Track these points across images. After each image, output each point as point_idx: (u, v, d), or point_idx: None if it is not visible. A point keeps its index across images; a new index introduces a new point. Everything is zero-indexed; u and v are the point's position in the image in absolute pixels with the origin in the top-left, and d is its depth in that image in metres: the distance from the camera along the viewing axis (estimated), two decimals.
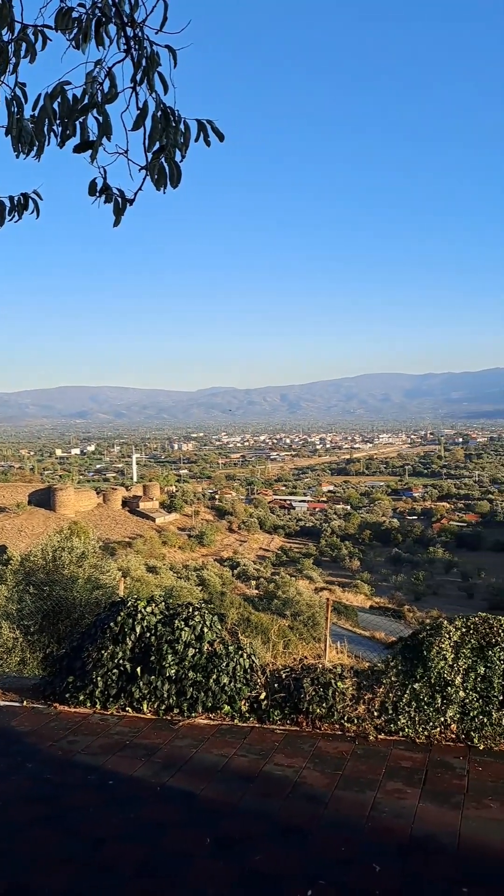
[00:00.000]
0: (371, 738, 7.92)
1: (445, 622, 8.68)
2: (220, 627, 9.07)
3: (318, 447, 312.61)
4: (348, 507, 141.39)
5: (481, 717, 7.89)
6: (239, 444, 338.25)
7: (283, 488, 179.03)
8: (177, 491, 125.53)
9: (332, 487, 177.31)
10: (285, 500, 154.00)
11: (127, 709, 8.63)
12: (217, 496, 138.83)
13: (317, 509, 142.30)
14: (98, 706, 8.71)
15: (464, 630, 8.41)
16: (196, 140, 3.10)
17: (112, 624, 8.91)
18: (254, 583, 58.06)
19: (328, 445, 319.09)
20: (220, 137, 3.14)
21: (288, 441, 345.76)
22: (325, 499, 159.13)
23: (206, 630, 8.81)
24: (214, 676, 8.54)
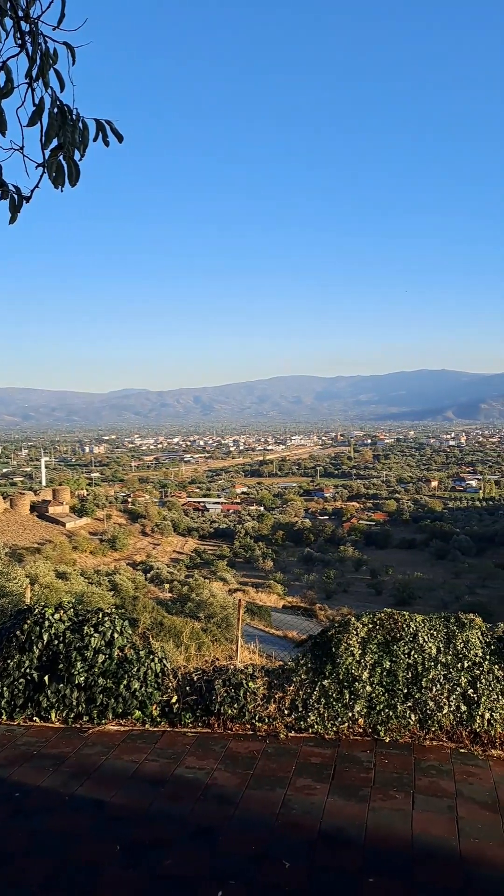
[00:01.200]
0: (282, 736, 8.03)
1: (353, 619, 8.90)
2: (130, 632, 8.97)
3: (231, 449, 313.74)
4: (262, 509, 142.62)
5: (387, 710, 8.13)
6: (152, 447, 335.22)
7: (197, 490, 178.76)
8: (88, 495, 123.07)
9: (245, 489, 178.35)
10: (199, 503, 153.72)
11: (34, 718, 8.41)
12: (130, 499, 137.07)
13: (230, 511, 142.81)
14: (3, 717, 8.45)
15: (370, 626, 8.65)
16: (95, 140, 3.06)
17: (18, 632, 8.66)
18: (167, 586, 57.69)
19: (242, 447, 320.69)
20: (119, 138, 3.11)
21: (202, 443, 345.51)
22: (238, 500, 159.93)
23: (116, 636, 8.69)
24: (125, 682, 8.44)
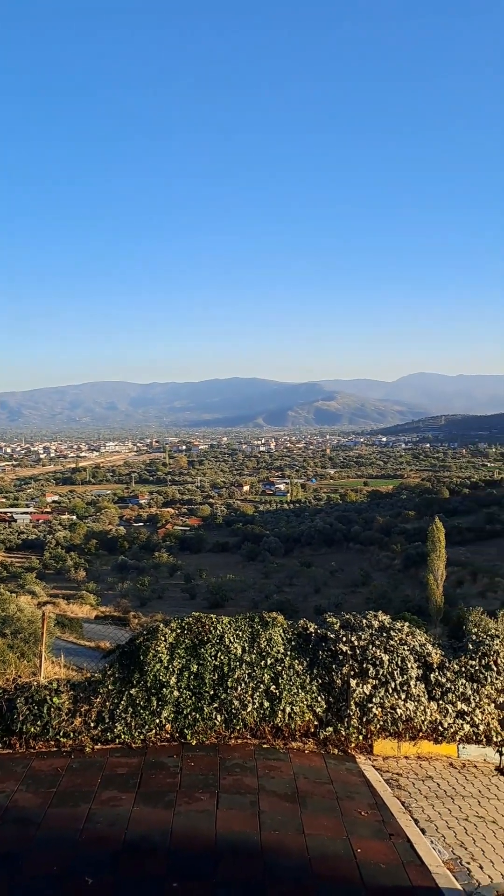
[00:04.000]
0: (88, 749, 7.87)
1: (161, 625, 8.95)
2: None
3: (42, 456, 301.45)
4: (74, 517, 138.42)
5: (194, 713, 8.25)
6: None
7: (4, 500, 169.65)
8: None
9: (56, 497, 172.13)
10: (6, 513, 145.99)
11: None
12: None
13: (40, 521, 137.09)
14: None
15: (178, 631, 8.74)
16: None
17: None
18: None
19: (53, 454, 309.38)
20: None
21: (9, 450, 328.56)
22: (49, 509, 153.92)
23: None
24: None
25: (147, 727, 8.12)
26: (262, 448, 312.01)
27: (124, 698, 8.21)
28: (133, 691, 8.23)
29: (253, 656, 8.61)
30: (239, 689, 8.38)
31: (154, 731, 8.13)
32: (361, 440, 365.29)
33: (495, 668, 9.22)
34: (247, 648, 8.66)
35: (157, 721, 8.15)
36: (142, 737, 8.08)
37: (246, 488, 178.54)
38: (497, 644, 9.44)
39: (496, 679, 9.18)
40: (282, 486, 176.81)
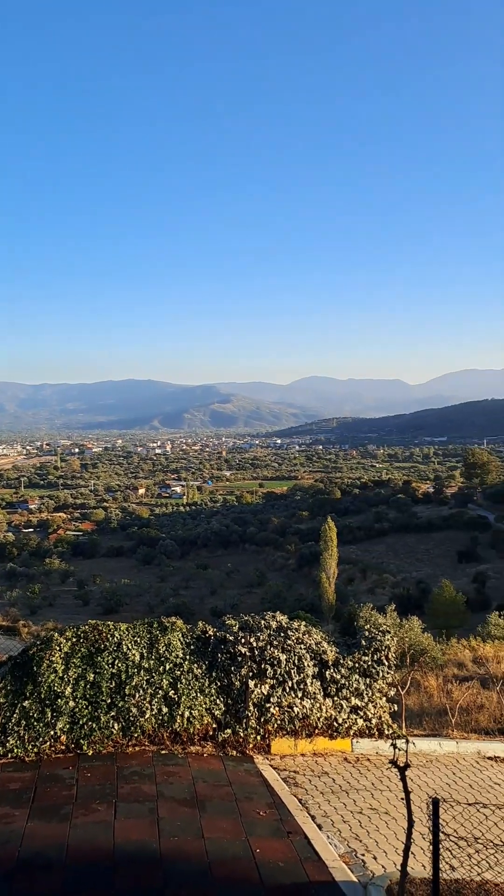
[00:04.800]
0: None
1: (56, 634, 8.70)
2: None
3: None
4: None
5: (90, 723, 8.08)
6: None
7: None
8: None
9: None
10: None
11: None
12: None
13: None
14: None
15: (74, 640, 8.53)
16: None
17: None
18: None
19: None
20: None
21: None
22: None
23: None
24: None
25: (41, 739, 7.88)
26: (157, 450, 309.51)
27: (17, 711, 7.93)
28: (26, 703, 7.96)
29: (151, 662, 8.53)
30: (137, 696, 8.28)
31: (49, 743, 7.89)
32: (257, 442, 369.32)
33: (386, 663, 9.56)
34: (145, 654, 8.57)
35: (52, 733, 7.92)
36: (35, 749, 7.83)
37: (141, 491, 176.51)
38: (388, 639, 9.79)
39: (387, 673, 9.51)
40: (178, 489, 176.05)
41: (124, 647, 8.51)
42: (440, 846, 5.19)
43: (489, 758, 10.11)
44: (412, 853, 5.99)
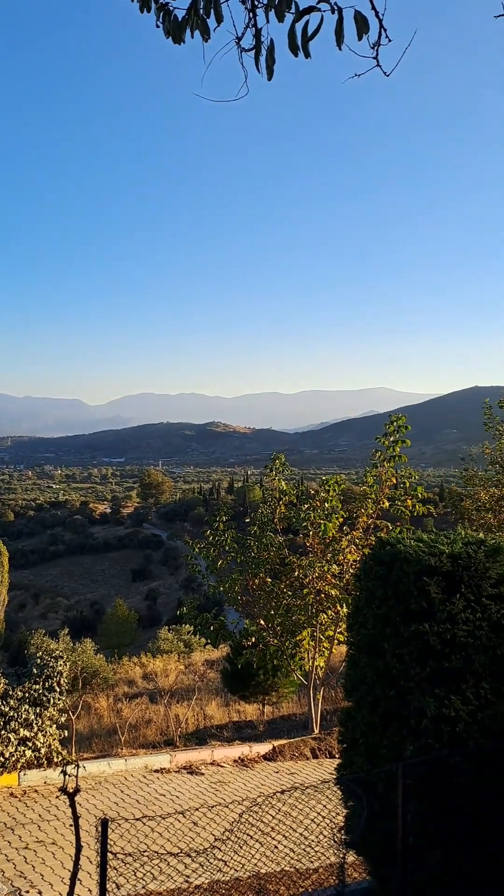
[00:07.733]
0: None
1: None
2: None
3: None
4: None
5: None
6: None
7: None
8: None
9: None
10: None
11: None
12: None
13: None
14: None
15: None
16: None
17: None
18: None
19: None
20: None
21: None
22: None
23: None
24: None
25: None
26: None
27: None
28: None
29: None
30: None
31: None
32: None
33: (58, 689, 9.41)
34: None
35: None
36: None
37: None
38: (60, 665, 9.65)
39: (58, 700, 9.36)
40: None
41: None
42: (108, 866, 5.26)
43: (155, 770, 10.48)
44: (79, 879, 5.94)
